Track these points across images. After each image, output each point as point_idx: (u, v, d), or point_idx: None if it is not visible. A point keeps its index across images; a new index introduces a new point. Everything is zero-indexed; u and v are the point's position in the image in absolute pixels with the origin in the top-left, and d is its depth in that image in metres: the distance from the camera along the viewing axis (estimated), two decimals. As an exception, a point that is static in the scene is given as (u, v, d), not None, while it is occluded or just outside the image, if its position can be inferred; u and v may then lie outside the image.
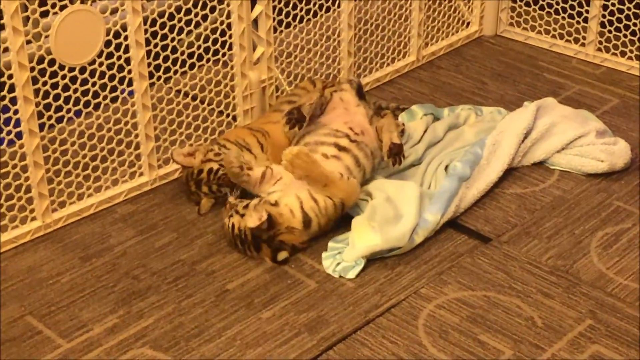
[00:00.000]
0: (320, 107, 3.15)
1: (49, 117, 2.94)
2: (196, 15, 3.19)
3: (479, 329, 2.63)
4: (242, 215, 2.86)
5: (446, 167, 3.19)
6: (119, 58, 3.01)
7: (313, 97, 3.14)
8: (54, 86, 2.91)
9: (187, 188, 3.14)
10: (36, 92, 2.87)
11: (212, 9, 3.23)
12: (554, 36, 4.09)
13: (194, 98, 3.34)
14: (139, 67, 3.05)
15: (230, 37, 3.29)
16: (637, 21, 3.83)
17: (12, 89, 2.81)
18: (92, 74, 2.97)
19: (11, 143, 2.92)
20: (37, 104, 2.88)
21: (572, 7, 3.97)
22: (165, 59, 3.14)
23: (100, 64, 2.98)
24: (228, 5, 3.25)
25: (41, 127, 2.92)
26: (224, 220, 2.92)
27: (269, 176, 2.99)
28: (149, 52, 3.08)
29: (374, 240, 2.86)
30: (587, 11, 3.92)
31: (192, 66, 3.25)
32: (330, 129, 3.08)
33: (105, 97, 3.05)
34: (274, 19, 3.37)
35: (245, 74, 3.37)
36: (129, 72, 3.05)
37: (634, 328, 2.62)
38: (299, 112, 3.08)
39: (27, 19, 2.83)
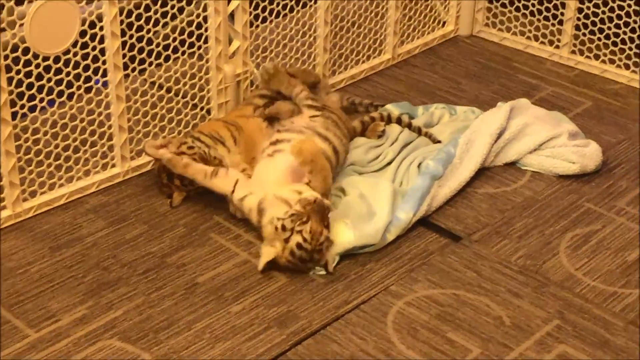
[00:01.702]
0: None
1: (22, 106, 2.92)
2: (172, 7, 3.18)
3: (447, 327, 2.65)
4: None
5: (419, 165, 3.20)
6: (93, 48, 3.00)
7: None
8: (28, 75, 2.89)
9: (159, 180, 3.13)
10: (9, 80, 2.85)
11: (189, 2, 3.23)
12: (529, 38, 4.11)
13: (169, 90, 3.33)
14: (113, 58, 3.04)
15: (206, 30, 3.29)
16: (611, 25, 3.86)
17: (-15, 76, 2.80)
18: (67, 63, 2.96)
19: (-17, 131, 2.90)
20: (10, 93, 2.86)
21: (548, 9, 3.99)
22: (141, 50, 3.13)
23: (75, 54, 2.96)
24: (205, -2, 3.25)
25: (14, 115, 2.90)
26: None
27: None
28: (124, 43, 3.06)
29: (348, 237, 2.87)
30: (562, 14, 3.94)
31: (167, 58, 3.24)
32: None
33: (79, 87, 3.04)
34: (250, 13, 3.37)
35: (220, 67, 3.36)
36: (104, 62, 3.04)
37: (600, 329, 2.64)
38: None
39: (1, 6, 2.81)
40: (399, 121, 3.40)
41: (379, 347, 2.57)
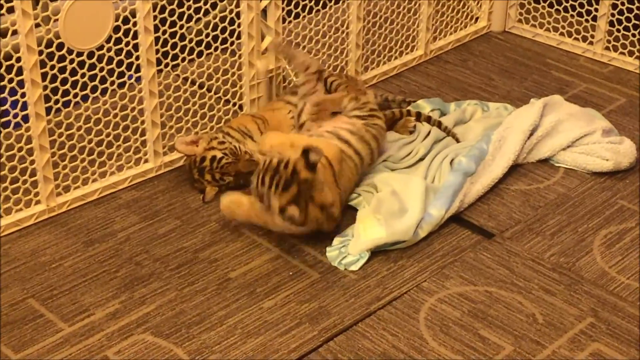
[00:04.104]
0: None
1: (56, 101, 2.94)
2: (205, 2, 3.19)
3: (480, 324, 2.64)
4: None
5: (451, 162, 3.19)
6: (127, 44, 3.01)
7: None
8: (62, 70, 2.91)
9: (190, 176, 3.14)
10: (44, 75, 2.87)
11: (222, -3, 3.24)
12: (562, 34, 4.08)
13: (201, 86, 3.34)
14: (147, 53, 3.05)
15: (239, 25, 3.29)
16: (646, 21, 3.84)
17: (20, 72, 2.81)
18: (100, 59, 2.98)
19: (17, 126, 2.92)
20: (45, 88, 2.88)
21: (581, 5, 3.97)
22: (174, 46, 3.14)
23: (109, 49, 2.98)
24: (237, -7, 3.26)
25: (48, 110, 2.92)
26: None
27: None
28: (157, 39, 3.08)
29: (379, 234, 2.87)
30: (596, 10, 3.92)
31: (200, 54, 3.25)
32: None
33: (112, 83, 3.05)
34: (283, 8, 3.37)
35: (253, 63, 3.37)
36: (137, 58, 3.05)
37: (634, 327, 2.63)
38: None
39: (36, 2, 2.83)
40: (418, 117, 3.37)
41: (411, 344, 2.57)
